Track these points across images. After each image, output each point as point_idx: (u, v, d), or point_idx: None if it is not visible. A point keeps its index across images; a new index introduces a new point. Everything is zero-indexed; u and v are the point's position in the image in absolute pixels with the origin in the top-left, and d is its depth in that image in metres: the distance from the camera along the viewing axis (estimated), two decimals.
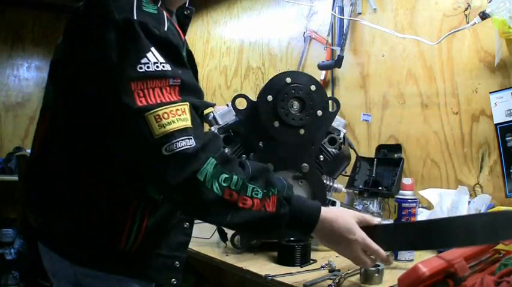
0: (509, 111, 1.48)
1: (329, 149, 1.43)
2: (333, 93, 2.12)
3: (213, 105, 1.68)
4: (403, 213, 1.37)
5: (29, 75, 3.79)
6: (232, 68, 2.79)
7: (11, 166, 3.31)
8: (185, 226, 1.12)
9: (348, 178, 1.80)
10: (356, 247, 1.00)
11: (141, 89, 0.86)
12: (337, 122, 1.44)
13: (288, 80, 1.32)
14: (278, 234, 1.02)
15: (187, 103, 0.90)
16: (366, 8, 1.96)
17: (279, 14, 2.47)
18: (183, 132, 0.87)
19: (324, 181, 1.42)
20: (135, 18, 0.87)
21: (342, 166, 1.51)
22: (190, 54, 1.03)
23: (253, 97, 1.37)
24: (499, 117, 1.51)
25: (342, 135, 1.43)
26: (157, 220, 1.02)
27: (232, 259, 1.32)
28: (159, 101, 0.86)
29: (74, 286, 1.02)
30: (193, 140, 0.88)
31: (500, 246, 1.20)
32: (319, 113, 1.33)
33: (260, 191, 0.93)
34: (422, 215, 1.54)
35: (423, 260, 0.95)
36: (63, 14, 3.64)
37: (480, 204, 1.46)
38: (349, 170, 1.72)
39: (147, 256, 1.04)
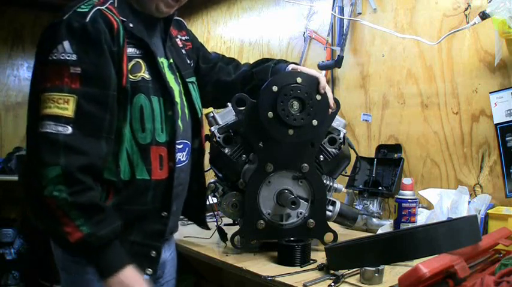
0: (509, 111, 1.48)
1: (329, 149, 1.43)
2: (332, 93, 2.11)
3: None
4: (403, 213, 1.38)
5: (29, 75, 3.78)
6: None
7: (11, 166, 3.30)
8: (163, 215, 1.15)
9: (348, 178, 1.80)
10: None
11: (46, 73, 1.00)
12: (337, 122, 1.44)
13: (299, 80, 1.32)
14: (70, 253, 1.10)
15: (75, 96, 0.99)
16: (366, 8, 1.96)
17: (279, 14, 2.47)
18: (56, 118, 0.97)
19: (324, 181, 1.42)
20: (64, 18, 1.02)
21: (342, 166, 1.51)
22: (141, 42, 1.12)
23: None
24: (499, 117, 1.51)
25: (342, 135, 1.43)
26: (117, 204, 1.07)
27: (232, 259, 1.32)
28: (54, 85, 0.99)
29: (62, 270, 1.13)
30: (60, 127, 0.97)
31: (500, 246, 1.20)
32: (315, 122, 1.33)
33: (77, 220, 0.96)
34: (422, 215, 1.54)
35: (424, 260, 0.95)
36: None
37: (480, 204, 1.46)
38: (349, 170, 1.72)
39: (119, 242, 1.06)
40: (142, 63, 1.13)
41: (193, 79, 1.32)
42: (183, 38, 1.40)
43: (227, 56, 1.56)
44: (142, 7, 1.16)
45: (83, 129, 0.99)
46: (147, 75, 1.12)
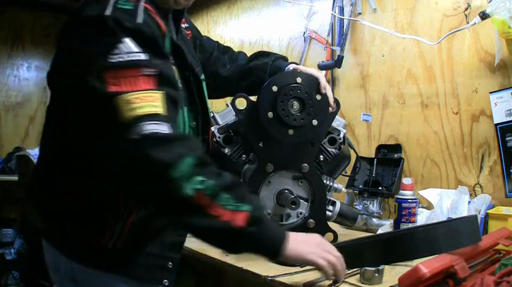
0: (509, 111, 1.48)
1: (329, 149, 1.42)
2: (332, 93, 2.11)
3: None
4: (403, 213, 1.38)
5: (29, 75, 3.79)
6: None
7: (11, 166, 3.30)
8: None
9: (348, 178, 1.80)
10: (327, 246, 1.00)
11: (113, 78, 0.86)
12: (337, 122, 1.44)
13: (299, 79, 1.32)
14: (237, 250, 0.98)
15: (162, 92, 0.89)
16: (366, 8, 1.96)
17: (279, 14, 2.47)
18: (153, 116, 0.86)
19: (324, 181, 1.42)
20: (108, 14, 0.89)
21: (342, 166, 1.51)
22: (177, 47, 1.04)
23: (253, 97, 1.37)
24: (499, 117, 1.50)
25: (342, 135, 1.43)
26: (144, 217, 1.01)
27: (232, 259, 1.32)
28: (130, 89, 0.86)
29: (71, 281, 1.04)
30: (165, 126, 0.86)
31: (500, 246, 1.20)
32: (315, 122, 1.33)
33: (231, 203, 0.89)
34: (422, 215, 1.54)
35: (424, 260, 0.95)
36: (63, 14, 3.64)
37: (480, 204, 1.46)
38: (349, 170, 1.72)
39: (136, 254, 1.03)
40: (175, 70, 1.04)
41: (203, 76, 1.23)
42: (184, 26, 1.30)
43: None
44: (160, 0, 1.04)
45: (174, 128, 0.89)
46: (179, 84, 1.04)
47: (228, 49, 1.50)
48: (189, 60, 1.08)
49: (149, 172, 0.86)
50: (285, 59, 1.42)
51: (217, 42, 1.51)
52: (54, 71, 1.00)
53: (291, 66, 1.36)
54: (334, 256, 0.99)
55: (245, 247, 0.95)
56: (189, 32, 1.33)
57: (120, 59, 0.87)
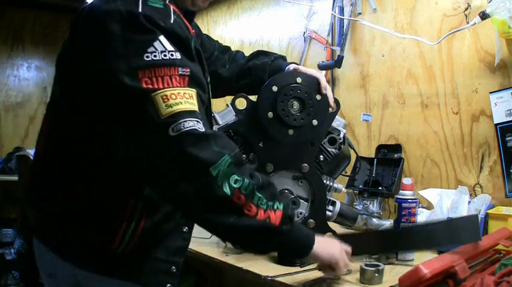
0: (509, 111, 1.48)
1: (329, 149, 1.42)
2: (333, 93, 2.11)
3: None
4: (403, 213, 1.37)
5: (29, 75, 3.79)
6: None
7: (11, 166, 3.30)
8: (184, 230, 1.09)
9: (348, 178, 1.80)
10: (343, 251, 1.07)
11: (148, 77, 0.85)
12: (337, 122, 1.44)
13: (299, 79, 1.32)
14: (269, 249, 1.01)
15: (195, 90, 0.89)
16: (366, 8, 1.96)
17: (279, 14, 2.47)
18: (191, 113, 0.85)
19: (324, 181, 1.42)
20: (140, 10, 0.87)
21: (342, 166, 1.51)
22: (198, 51, 1.02)
23: (253, 97, 1.37)
24: (499, 117, 1.51)
25: (342, 135, 1.43)
26: (155, 222, 1.00)
27: (232, 259, 1.32)
28: (166, 86, 0.85)
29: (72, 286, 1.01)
30: (202, 124, 0.86)
31: (500, 246, 1.20)
32: (315, 122, 1.33)
33: (265, 202, 0.91)
34: (422, 215, 1.54)
35: (424, 261, 0.95)
36: (63, 14, 3.64)
37: (480, 204, 1.45)
38: (349, 170, 1.72)
39: (143, 259, 1.02)
40: None
41: (209, 79, 1.21)
42: None
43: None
44: (178, 2, 1.02)
45: (208, 127, 0.89)
46: None
47: (227, 49, 1.50)
48: (205, 63, 1.07)
49: (189, 169, 0.85)
50: (284, 58, 1.42)
51: (217, 41, 1.51)
52: (71, 65, 0.96)
53: (291, 67, 1.36)
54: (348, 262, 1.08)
55: (278, 246, 0.98)
56: (193, 31, 1.32)
57: (155, 58, 0.85)
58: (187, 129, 0.84)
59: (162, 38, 0.87)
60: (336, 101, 1.40)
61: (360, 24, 1.97)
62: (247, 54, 1.48)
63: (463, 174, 1.65)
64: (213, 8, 2.99)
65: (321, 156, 1.42)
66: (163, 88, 0.84)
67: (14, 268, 3.20)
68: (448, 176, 1.69)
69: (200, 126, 0.86)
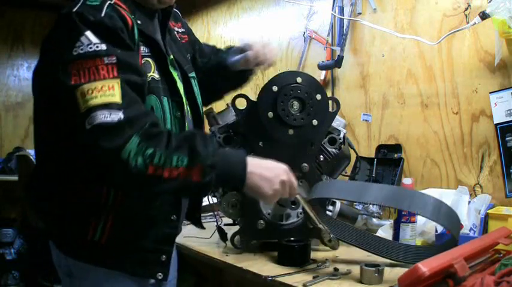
0: (509, 111, 1.48)
1: (329, 149, 1.42)
2: (333, 93, 2.12)
3: None
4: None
5: (29, 75, 3.79)
6: None
7: (11, 166, 3.31)
8: (172, 218, 1.12)
9: (348, 178, 1.80)
10: (284, 174, 1.12)
11: (76, 69, 0.92)
12: (337, 122, 1.44)
13: (299, 79, 1.32)
14: (205, 194, 1.14)
15: (118, 80, 0.94)
16: (366, 8, 1.96)
17: (279, 14, 2.47)
18: (103, 107, 0.91)
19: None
20: (73, 10, 0.96)
21: (342, 166, 1.51)
22: (152, 41, 1.09)
23: (253, 97, 1.37)
24: (499, 117, 1.51)
25: (342, 135, 1.43)
26: (127, 210, 1.05)
27: (232, 259, 1.32)
28: (91, 79, 0.92)
29: (68, 276, 1.09)
30: (114, 115, 0.92)
31: (500, 246, 1.20)
32: (315, 122, 1.33)
33: (185, 160, 0.95)
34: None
35: (423, 260, 0.95)
36: None
37: (480, 204, 1.45)
38: (349, 170, 1.72)
39: (126, 249, 1.06)
40: (151, 62, 1.09)
41: (193, 74, 1.28)
42: (180, 30, 1.36)
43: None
44: (143, 0, 1.11)
45: (130, 112, 0.94)
46: (156, 75, 1.09)
47: (218, 51, 1.54)
48: (163, 49, 1.13)
49: (102, 159, 0.93)
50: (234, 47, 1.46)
51: (214, 46, 1.55)
52: (36, 75, 1.07)
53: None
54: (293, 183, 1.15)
55: (210, 190, 1.05)
56: (186, 36, 1.38)
57: (81, 51, 0.93)
58: (98, 122, 0.90)
59: (88, 33, 0.94)
60: (336, 101, 1.40)
61: (360, 24, 1.97)
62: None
63: (463, 174, 1.65)
64: (213, 8, 3.00)
65: (321, 156, 1.42)
66: (85, 83, 0.91)
67: (14, 268, 3.20)
68: (448, 176, 1.69)
69: (113, 117, 0.91)
